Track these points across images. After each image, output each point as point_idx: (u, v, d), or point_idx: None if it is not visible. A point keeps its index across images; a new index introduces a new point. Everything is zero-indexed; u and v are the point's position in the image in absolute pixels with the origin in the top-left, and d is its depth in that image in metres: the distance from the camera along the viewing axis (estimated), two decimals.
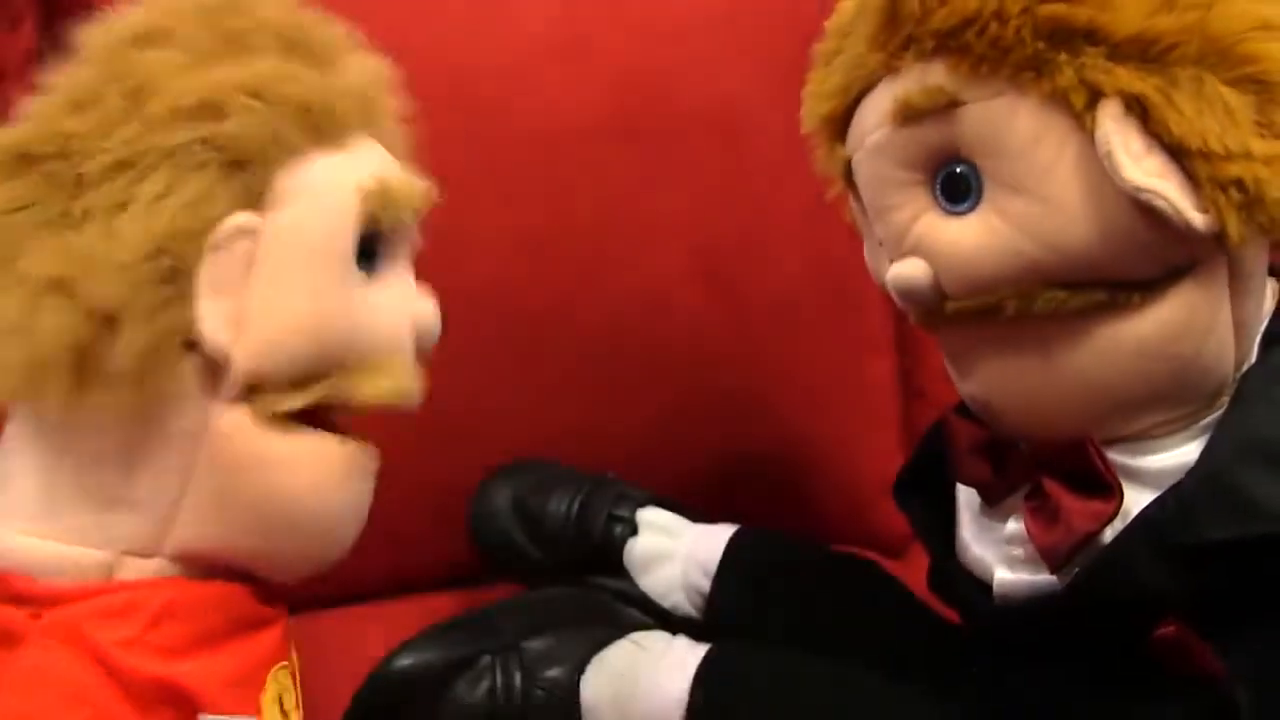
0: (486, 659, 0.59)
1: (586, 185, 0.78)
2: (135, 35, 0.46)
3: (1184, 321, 0.47)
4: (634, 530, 0.69)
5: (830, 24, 0.55)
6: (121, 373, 0.42)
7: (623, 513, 0.70)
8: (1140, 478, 0.48)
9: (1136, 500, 0.48)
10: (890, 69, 0.50)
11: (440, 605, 0.71)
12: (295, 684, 0.50)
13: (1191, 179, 0.44)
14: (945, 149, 0.49)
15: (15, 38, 0.72)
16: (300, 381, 0.46)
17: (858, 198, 0.56)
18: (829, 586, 0.66)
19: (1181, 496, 0.46)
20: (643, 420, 0.79)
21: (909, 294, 0.51)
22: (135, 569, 0.45)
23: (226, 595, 0.46)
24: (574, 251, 0.77)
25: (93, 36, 0.47)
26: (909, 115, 0.49)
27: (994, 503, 0.54)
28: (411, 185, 0.50)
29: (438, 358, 0.53)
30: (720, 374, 0.81)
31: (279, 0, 0.49)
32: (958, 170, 0.49)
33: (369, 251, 0.48)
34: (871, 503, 0.85)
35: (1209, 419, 0.48)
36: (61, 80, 0.46)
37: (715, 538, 0.68)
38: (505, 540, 0.71)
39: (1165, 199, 0.43)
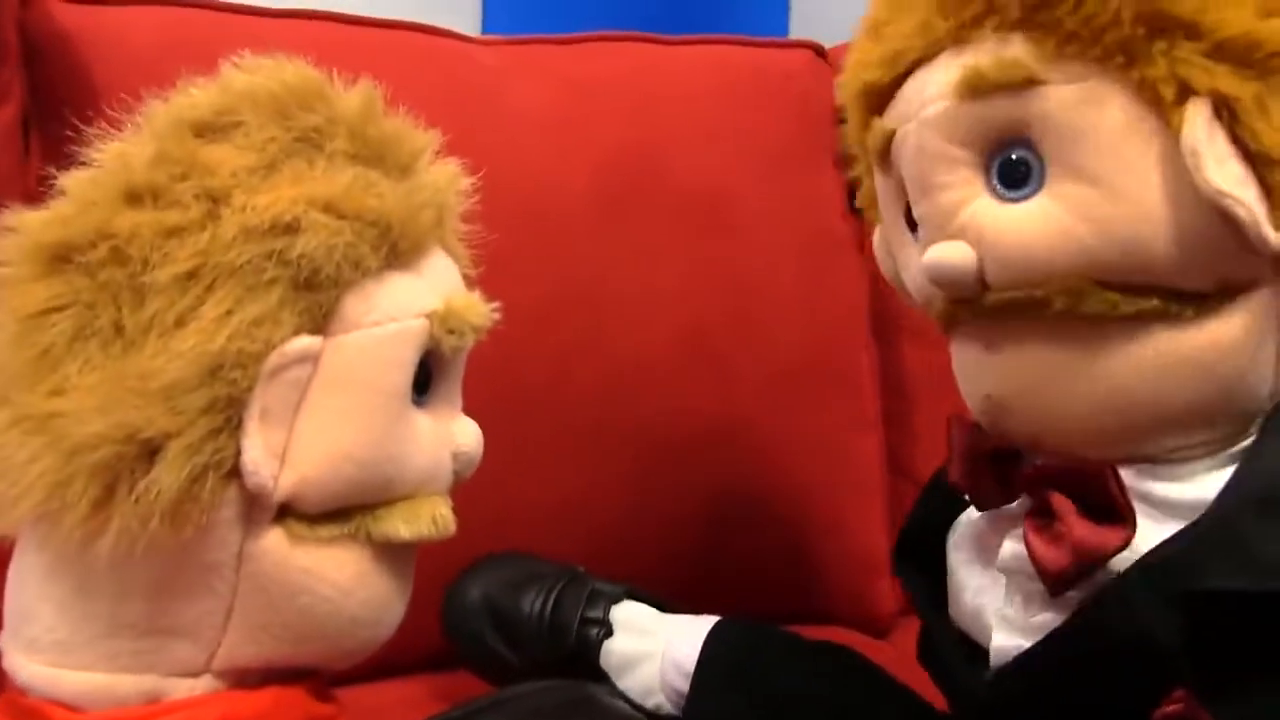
0: None
1: (575, 262, 0.79)
2: (199, 122, 0.42)
3: (1234, 341, 0.45)
4: (609, 631, 0.68)
5: None
6: (155, 502, 0.38)
7: (596, 614, 0.68)
8: (1156, 504, 0.46)
9: (1146, 531, 0.45)
10: (959, 39, 0.47)
11: (416, 690, 0.68)
12: None
13: (1270, 192, 0.42)
14: (1010, 129, 0.46)
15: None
16: (334, 514, 0.43)
17: (888, 174, 0.53)
18: (809, 679, 0.64)
19: (1193, 539, 0.44)
20: (630, 496, 0.78)
21: (948, 279, 0.48)
22: (183, 689, 0.42)
23: (281, 701, 0.43)
24: (563, 328, 0.77)
25: (153, 116, 0.43)
26: (978, 89, 0.46)
27: (985, 507, 0.51)
28: (477, 306, 0.46)
29: None
30: (707, 451, 0.81)
31: (355, 93, 0.45)
32: (1017, 155, 0.46)
33: (424, 378, 0.45)
34: (856, 581, 0.85)
35: (1234, 449, 0.47)
36: (107, 160, 0.42)
37: (691, 635, 0.66)
38: (478, 642, 0.69)
39: (1245, 207, 0.42)
